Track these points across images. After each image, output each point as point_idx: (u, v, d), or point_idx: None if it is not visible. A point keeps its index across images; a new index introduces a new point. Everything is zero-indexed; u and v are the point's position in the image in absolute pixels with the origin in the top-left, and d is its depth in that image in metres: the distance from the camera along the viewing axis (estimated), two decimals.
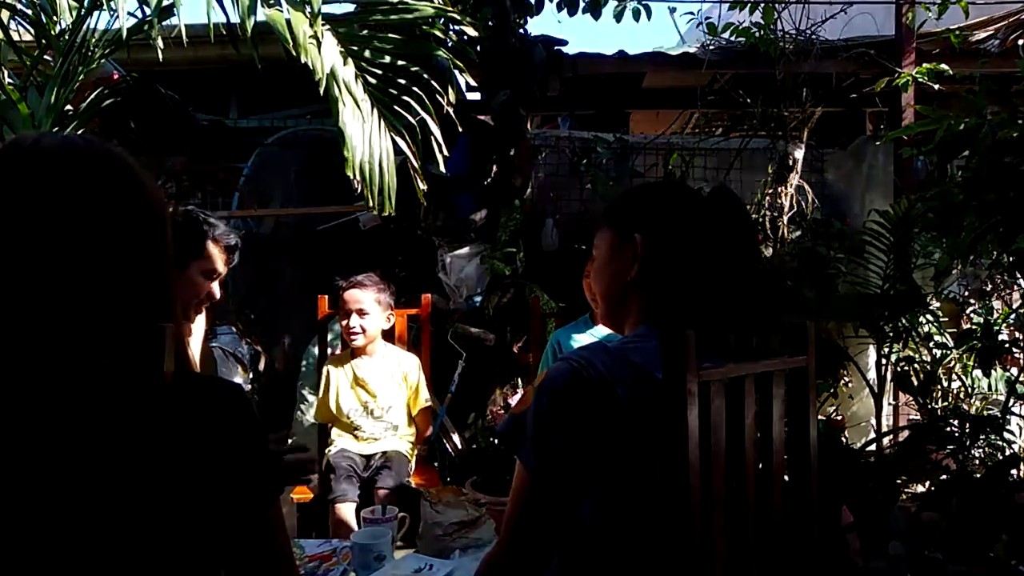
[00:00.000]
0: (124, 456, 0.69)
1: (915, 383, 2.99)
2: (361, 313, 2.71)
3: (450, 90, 2.81)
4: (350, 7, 2.66)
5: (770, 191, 3.70)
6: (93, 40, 2.66)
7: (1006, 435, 2.41)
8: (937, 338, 3.21)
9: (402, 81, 2.70)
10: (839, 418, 3.62)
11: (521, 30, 3.70)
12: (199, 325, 1.94)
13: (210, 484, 0.74)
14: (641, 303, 1.18)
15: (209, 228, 1.85)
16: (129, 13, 2.46)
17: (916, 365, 3.11)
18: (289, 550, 0.85)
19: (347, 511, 2.53)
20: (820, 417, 3.17)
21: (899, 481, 2.46)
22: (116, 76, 3.21)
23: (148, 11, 2.40)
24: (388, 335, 2.93)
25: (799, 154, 3.67)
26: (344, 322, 2.73)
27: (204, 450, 0.74)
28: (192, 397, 0.76)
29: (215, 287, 1.86)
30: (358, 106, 2.45)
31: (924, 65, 3.59)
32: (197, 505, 0.73)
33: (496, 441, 2.25)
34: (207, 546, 0.75)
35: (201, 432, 0.74)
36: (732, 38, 3.86)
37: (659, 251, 1.16)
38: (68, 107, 2.70)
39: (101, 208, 0.76)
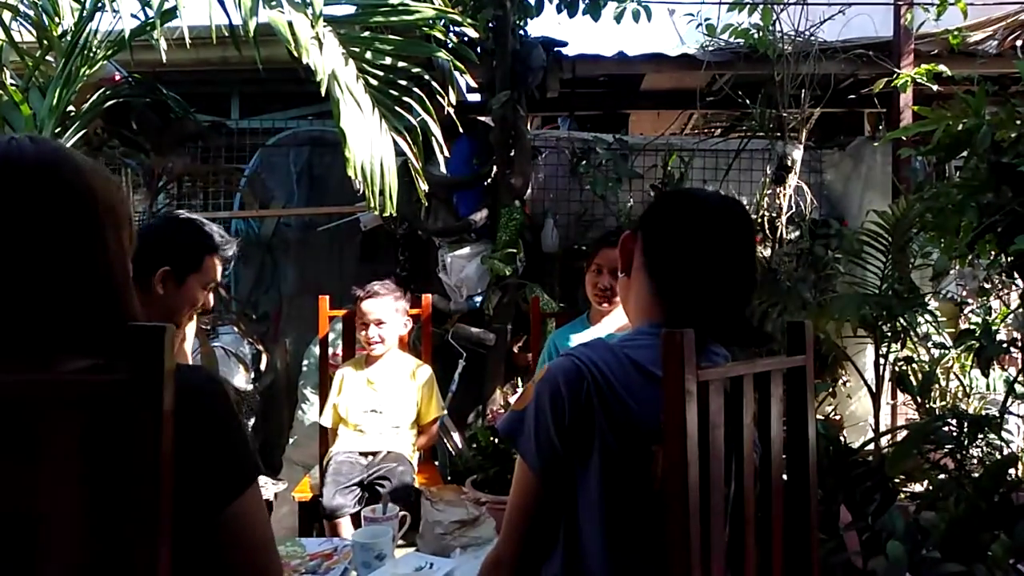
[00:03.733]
0: (115, 450, 0.69)
1: (913, 383, 2.99)
2: (379, 323, 2.76)
3: (450, 91, 2.82)
4: (351, 9, 2.66)
5: (769, 192, 3.71)
6: (95, 41, 2.66)
7: (1004, 435, 2.41)
8: (935, 338, 3.22)
9: (403, 82, 2.71)
10: (837, 417, 3.63)
11: (521, 31, 3.72)
12: (190, 329, 1.94)
13: (181, 472, 0.73)
14: (643, 302, 1.20)
15: (207, 240, 1.82)
16: (131, 15, 2.47)
17: (914, 365, 3.12)
18: (269, 542, 0.84)
19: (344, 525, 2.54)
20: (818, 417, 3.18)
21: (897, 480, 2.46)
22: (118, 77, 3.22)
23: (151, 13, 2.41)
24: None
25: (798, 155, 3.68)
26: (363, 333, 2.77)
27: (178, 438, 0.73)
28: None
29: (209, 297, 1.85)
30: (359, 107, 2.46)
31: (922, 66, 3.60)
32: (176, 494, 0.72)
33: (496, 440, 2.25)
34: (182, 535, 0.73)
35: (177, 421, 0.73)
36: (731, 39, 3.87)
37: (657, 250, 1.18)
38: (70, 108, 2.70)
39: (41, 214, 0.77)
